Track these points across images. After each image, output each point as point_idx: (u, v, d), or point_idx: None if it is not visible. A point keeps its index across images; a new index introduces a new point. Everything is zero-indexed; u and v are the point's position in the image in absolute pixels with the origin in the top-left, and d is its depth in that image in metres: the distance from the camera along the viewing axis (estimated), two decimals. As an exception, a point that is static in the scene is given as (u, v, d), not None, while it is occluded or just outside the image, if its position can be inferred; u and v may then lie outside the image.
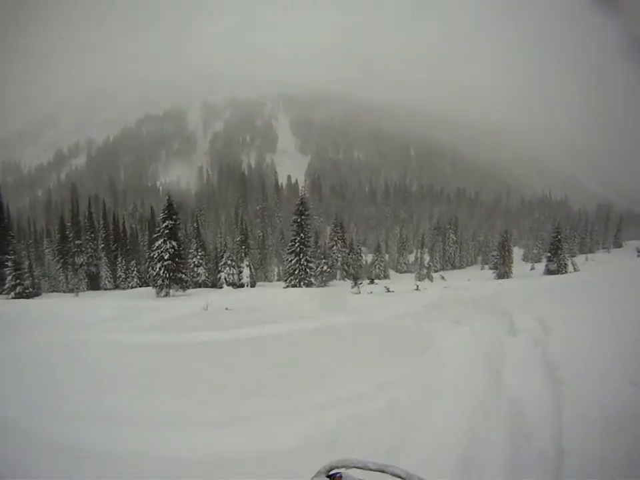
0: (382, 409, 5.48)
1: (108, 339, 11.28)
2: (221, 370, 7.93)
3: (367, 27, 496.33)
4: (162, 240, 42.51)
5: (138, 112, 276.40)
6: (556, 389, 5.29)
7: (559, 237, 58.03)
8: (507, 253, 63.77)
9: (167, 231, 42.31)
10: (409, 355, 7.69)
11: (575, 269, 54.68)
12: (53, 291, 59.35)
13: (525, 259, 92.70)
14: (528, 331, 8.09)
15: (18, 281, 43.10)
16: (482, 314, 10.83)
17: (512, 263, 64.17)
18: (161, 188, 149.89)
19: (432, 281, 56.66)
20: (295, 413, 5.71)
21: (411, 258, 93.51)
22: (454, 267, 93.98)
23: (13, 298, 40.18)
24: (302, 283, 45.85)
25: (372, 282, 32.05)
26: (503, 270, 62.02)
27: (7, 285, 42.85)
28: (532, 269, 69.52)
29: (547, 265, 58.26)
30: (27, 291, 44.34)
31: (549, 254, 58.78)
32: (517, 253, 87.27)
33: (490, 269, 72.42)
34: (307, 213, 47.85)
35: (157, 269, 42.22)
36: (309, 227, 48.77)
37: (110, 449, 5.02)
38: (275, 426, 5.39)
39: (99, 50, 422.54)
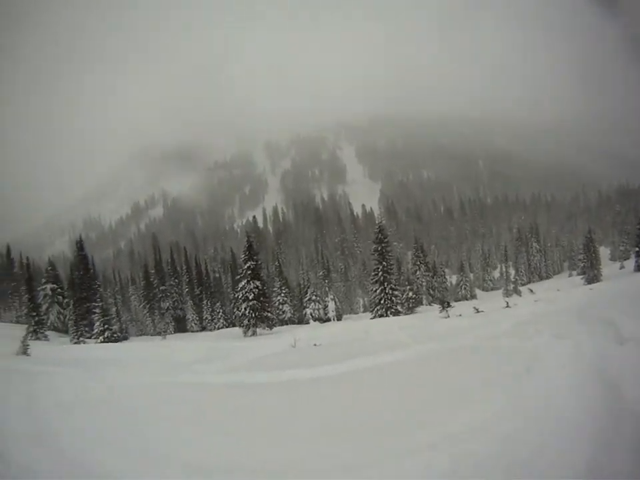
0: (494, 445, 5.17)
1: (195, 380, 11.42)
2: (308, 411, 7.78)
3: (411, 43, 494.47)
4: (245, 280, 43.17)
5: (206, 162, 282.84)
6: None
7: (644, 227, 55.31)
8: (593, 255, 61.82)
9: (249, 272, 42.98)
10: (512, 378, 7.27)
11: (667, 262, 52.04)
12: (140, 335, 60.89)
13: (613, 257, 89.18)
14: (636, 338, 7.58)
15: (106, 326, 44.64)
16: (581, 324, 10.30)
17: (600, 264, 62.12)
18: (238, 230, 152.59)
19: (520, 296, 55.19)
20: (394, 456, 5.34)
21: (496, 274, 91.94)
22: (541, 278, 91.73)
23: (101, 342, 41.34)
24: (389, 312, 45.55)
25: (447, 305, 31.21)
26: (591, 273, 60.08)
27: (95, 330, 44.37)
28: (621, 267, 67.16)
29: (636, 261, 55.56)
30: (116, 335, 45.71)
31: (637, 248, 56.08)
32: (604, 252, 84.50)
33: (578, 274, 70.42)
34: (386, 240, 47.87)
35: (243, 309, 42.81)
36: (389, 254, 48.70)
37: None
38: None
39: (159, 99, 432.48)
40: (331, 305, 57.21)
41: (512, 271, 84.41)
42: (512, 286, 72.15)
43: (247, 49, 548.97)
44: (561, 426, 5.29)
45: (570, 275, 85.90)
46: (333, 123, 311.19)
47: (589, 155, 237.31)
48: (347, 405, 7.70)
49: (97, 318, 44.84)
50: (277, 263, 64.94)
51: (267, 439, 6.43)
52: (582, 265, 65.86)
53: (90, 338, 45.14)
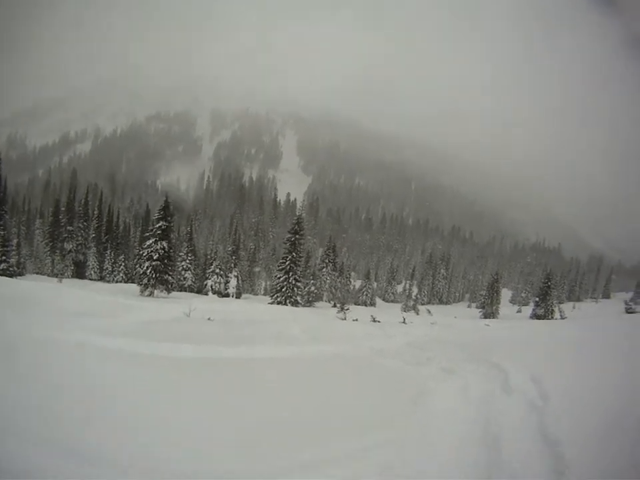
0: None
1: (79, 338, 10.77)
2: (183, 395, 7.37)
3: (379, 59, 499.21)
4: (153, 239, 42.47)
5: (149, 108, 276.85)
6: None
7: (549, 283, 58.30)
8: (495, 294, 63.85)
9: (159, 232, 42.25)
10: (400, 408, 7.16)
11: (561, 315, 54.78)
12: (37, 273, 59.00)
13: (513, 301, 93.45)
14: (522, 391, 7.69)
15: (4, 257, 42.82)
16: (472, 363, 10.38)
17: (499, 303, 64.24)
18: (160, 186, 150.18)
19: (418, 314, 56.37)
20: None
21: (399, 288, 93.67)
22: (441, 302, 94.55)
23: (-5, 275, 39.65)
24: (288, 301, 45.80)
25: (345, 308, 31.45)
26: (489, 310, 62.06)
27: (-9, 260, 42.46)
28: (518, 311, 70.04)
29: (534, 309, 58.34)
30: (12, 269, 43.99)
31: (537, 299, 58.83)
32: (505, 294, 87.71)
33: (477, 307, 72.61)
34: (301, 232, 48.07)
35: (144, 268, 42.04)
36: (301, 246, 49.00)
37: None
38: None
39: (116, 39, 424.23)
40: (233, 282, 57.04)
41: (415, 289, 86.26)
42: (412, 303, 73.54)
43: (225, 20, 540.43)
44: (433, 468, 5.24)
45: (469, 306, 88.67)
46: (284, 110, 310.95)
47: (514, 206, 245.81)
48: (228, 398, 7.34)
49: (-5, 247, 43.13)
50: (188, 229, 64.11)
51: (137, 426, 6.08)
52: (483, 300, 67.89)
53: (-17, 268, 43.41)
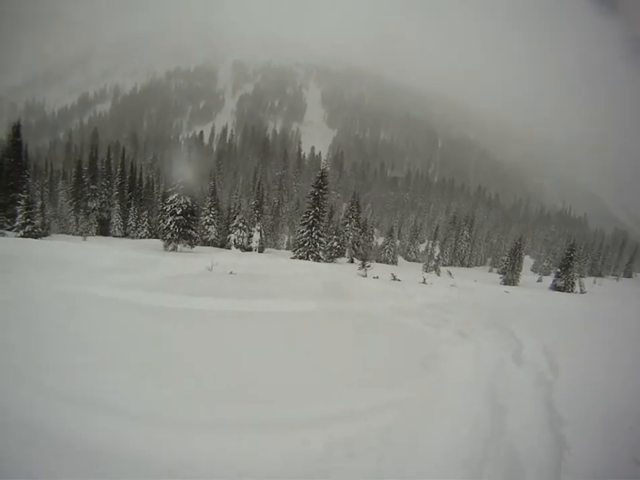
0: (374, 435, 5.18)
1: (103, 293, 11.03)
2: (209, 350, 7.48)
3: (408, 13, 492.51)
4: (176, 195, 42.34)
5: (168, 64, 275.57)
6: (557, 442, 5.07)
7: (572, 254, 57.28)
8: (517, 261, 63.47)
9: (182, 186, 42.08)
10: (412, 368, 7.22)
11: (581, 290, 54.20)
12: (62, 233, 59.37)
13: (534, 269, 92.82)
14: (534, 363, 7.71)
15: (28, 219, 43.19)
16: (488, 329, 10.39)
17: (521, 271, 63.92)
18: (182, 142, 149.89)
19: (439, 275, 56.22)
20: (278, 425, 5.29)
21: (422, 248, 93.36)
22: (463, 264, 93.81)
23: (21, 236, 40.17)
24: (310, 256, 45.82)
25: (367, 265, 31.39)
26: (510, 277, 61.79)
27: (17, 223, 42.97)
28: (539, 280, 69.10)
29: (554, 280, 57.53)
30: (36, 230, 44.41)
31: (559, 269, 58.13)
32: (527, 262, 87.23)
33: (498, 272, 72.21)
34: (325, 187, 47.62)
35: (168, 223, 42.20)
36: (325, 201, 48.59)
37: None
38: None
39: None
40: (256, 236, 57.09)
41: (437, 250, 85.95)
42: (433, 263, 73.42)
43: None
44: (436, 434, 5.32)
45: (490, 271, 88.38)
46: (308, 61, 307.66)
47: (542, 171, 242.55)
48: (247, 355, 7.35)
49: (20, 210, 43.46)
50: (212, 183, 64.16)
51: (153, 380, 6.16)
52: (504, 265, 67.52)
53: (10, 230, 43.86)
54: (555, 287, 55.78)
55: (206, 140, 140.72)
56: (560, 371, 7.16)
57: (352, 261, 60.33)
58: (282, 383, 6.29)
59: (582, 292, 53.20)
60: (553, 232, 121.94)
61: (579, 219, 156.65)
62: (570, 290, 54.54)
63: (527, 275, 74.93)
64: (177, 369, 6.44)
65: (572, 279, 56.29)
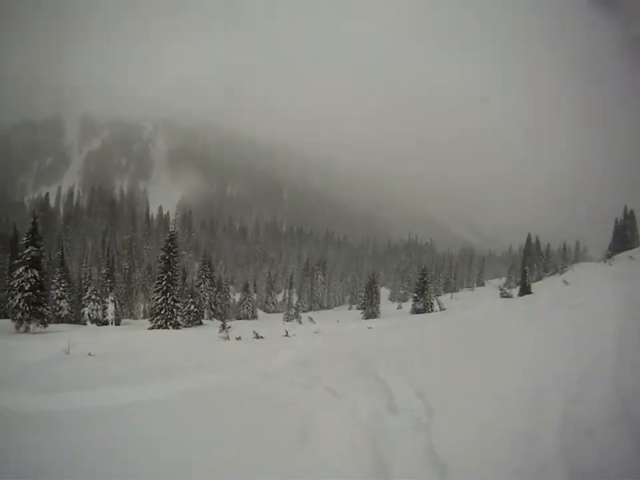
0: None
1: None
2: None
3: (252, 64, 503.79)
4: (23, 268, 40.38)
5: (14, 115, 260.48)
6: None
7: (425, 278, 61.15)
8: (374, 294, 66.00)
9: (29, 259, 40.21)
10: (284, 446, 6.91)
11: (440, 307, 57.06)
12: None
13: (392, 298, 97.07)
14: (409, 408, 7.85)
15: None
16: (357, 378, 10.63)
17: (379, 302, 66.43)
18: (27, 204, 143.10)
19: (301, 323, 56.91)
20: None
21: (279, 297, 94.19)
22: (322, 307, 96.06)
23: None
24: (168, 324, 44.79)
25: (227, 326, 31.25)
26: (370, 310, 64.07)
27: None
28: (399, 307, 73.15)
29: (413, 304, 61.13)
30: None
31: (415, 294, 61.39)
32: (385, 293, 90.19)
33: (358, 308, 74.25)
34: (175, 250, 47.24)
35: (17, 301, 39.91)
36: (177, 264, 48.04)
37: None
38: None
39: None
40: (111, 307, 55.35)
41: (295, 297, 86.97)
42: (293, 311, 74.24)
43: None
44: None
45: (350, 308, 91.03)
46: (155, 116, 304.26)
47: (385, 207, 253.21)
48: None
49: None
50: (60, 252, 61.91)
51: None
52: (362, 301, 69.65)
53: None
54: (416, 311, 58.80)
55: (52, 202, 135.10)
56: (434, 411, 7.44)
57: (210, 318, 60.08)
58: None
59: (441, 309, 56.00)
60: (404, 261, 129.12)
61: (426, 244, 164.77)
62: (430, 310, 57.45)
63: (386, 304, 77.83)
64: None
65: (429, 300, 59.52)
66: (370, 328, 29.00)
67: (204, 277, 63.55)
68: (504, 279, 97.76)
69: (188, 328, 48.30)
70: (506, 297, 58.09)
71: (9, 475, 5.96)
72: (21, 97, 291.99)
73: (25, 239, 42.08)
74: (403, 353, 13.75)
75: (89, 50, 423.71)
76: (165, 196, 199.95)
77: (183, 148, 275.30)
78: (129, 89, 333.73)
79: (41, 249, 43.19)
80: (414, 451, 6.22)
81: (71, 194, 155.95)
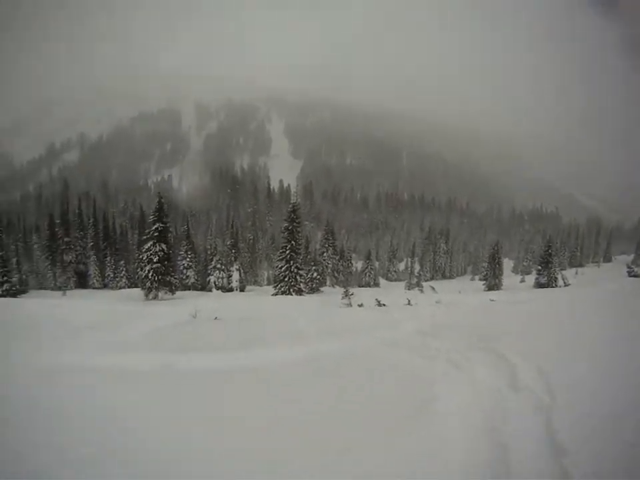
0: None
1: (78, 360, 10.51)
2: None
3: (358, 33, 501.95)
4: (151, 242, 42.48)
5: (131, 109, 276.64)
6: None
7: (550, 250, 58.61)
8: (497, 265, 64.16)
9: (156, 234, 42.28)
10: (404, 416, 6.91)
11: (565, 282, 54.98)
12: (40, 288, 59.03)
13: (515, 270, 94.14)
14: (529, 388, 7.52)
15: (5, 278, 42.94)
16: (478, 352, 10.13)
17: (502, 274, 64.59)
18: (152, 187, 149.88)
19: (422, 292, 56.26)
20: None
21: (401, 266, 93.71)
22: (444, 277, 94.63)
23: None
24: (291, 290, 45.76)
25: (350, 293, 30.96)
26: (493, 282, 62.41)
27: (-6, 281, 42.58)
28: (522, 281, 70.18)
29: (536, 278, 58.82)
30: (15, 288, 44.07)
31: (539, 267, 59.10)
32: (507, 264, 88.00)
33: (480, 279, 72.79)
34: (298, 220, 47.95)
35: (146, 272, 42.12)
36: (300, 233, 48.95)
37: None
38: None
39: (90, 43, 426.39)
40: (235, 275, 57.14)
41: (417, 266, 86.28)
42: (415, 280, 73.66)
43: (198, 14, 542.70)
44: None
45: (472, 279, 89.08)
46: (266, 94, 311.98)
47: (510, 173, 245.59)
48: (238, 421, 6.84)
49: (-5, 268, 43.08)
50: (185, 227, 64.20)
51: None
52: (485, 272, 67.98)
53: (-14, 289, 43.35)
54: (539, 285, 56.66)
55: (175, 183, 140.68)
56: (556, 392, 7.02)
57: (332, 285, 60.59)
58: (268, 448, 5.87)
59: (565, 285, 53.90)
60: (528, 231, 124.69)
61: (551, 213, 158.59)
62: (554, 285, 55.43)
63: (508, 277, 75.73)
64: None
65: (554, 274, 57.30)
66: (492, 300, 28.06)
67: (327, 245, 64.34)
68: (632, 256, 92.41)
69: (310, 294, 48.88)
70: (634, 276, 54.81)
71: (137, 430, 6.38)
72: (135, 91, 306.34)
73: (152, 216, 44.28)
74: (527, 329, 13.08)
75: (192, 38, 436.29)
76: (285, 169, 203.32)
77: (297, 122, 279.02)
78: (236, 72, 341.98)
79: (168, 224, 45.16)
80: (533, 432, 5.98)
81: (193, 174, 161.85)
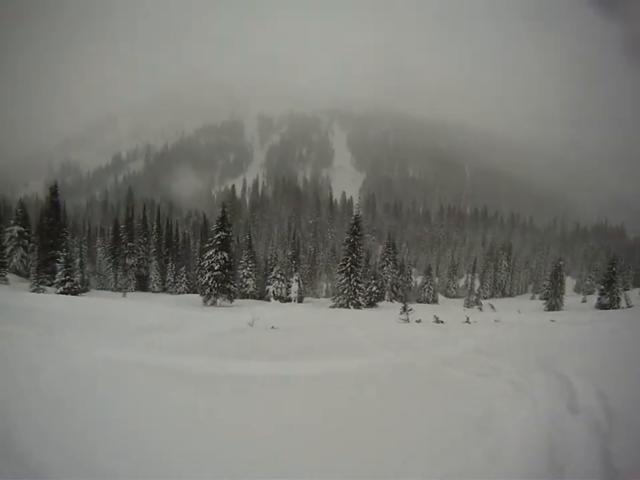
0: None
1: (139, 358, 10.93)
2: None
3: (420, 46, 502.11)
4: (214, 250, 43.40)
5: (195, 120, 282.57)
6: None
7: (614, 268, 56.73)
8: (559, 284, 62.86)
9: (219, 242, 43.21)
10: (461, 434, 6.83)
11: (627, 304, 53.40)
12: (101, 289, 60.78)
13: (577, 289, 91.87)
14: (587, 409, 7.39)
15: (68, 276, 44.37)
16: (538, 373, 10.01)
17: (563, 293, 63.09)
18: (215, 196, 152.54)
19: (481, 310, 55.46)
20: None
21: (461, 282, 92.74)
22: (504, 295, 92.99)
23: (61, 292, 41.21)
24: (350, 303, 45.71)
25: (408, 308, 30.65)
26: (553, 301, 61.15)
27: (57, 280, 44.23)
28: (584, 301, 68.61)
29: (599, 299, 57.27)
30: (76, 287, 45.46)
31: (602, 287, 57.50)
32: (570, 282, 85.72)
33: (540, 299, 71.42)
34: (360, 233, 48.11)
35: (207, 278, 42.98)
36: (361, 246, 49.08)
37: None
38: None
39: (150, 56, 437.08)
40: (294, 286, 57.46)
41: (477, 283, 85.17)
42: (474, 298, 72.77)
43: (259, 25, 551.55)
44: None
45: (532, 298, 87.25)
46: (328, 106, 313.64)
47: (575, 186, 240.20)
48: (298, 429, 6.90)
49: (59, 267, 44.70)
50: (247, 236, 65.06)
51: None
52: (546, 290, 66.63)
53: (50, 286, 44.81)
54: (601, 305, 55.16)
55: (238, 193, 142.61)
56: (614, 416, 6.87)
57: (391, 300, 60.28)
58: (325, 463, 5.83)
59: (628, 306, 52.37)
60: (592, 247, 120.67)
61: (616, 228, 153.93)
62: (616, 306, 53.79)
63: (570, 296, 74.00)
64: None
65: (617, 294, 55.53)
66: (552, 321, 27.49)
67: (387, 259, 64.08)
68: None
69: (368, 308, 48.80)
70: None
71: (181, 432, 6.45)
72: (198, 103, 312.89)
73: (215, 225, 45.38)
74: (588, 351, 12.73)
75: (254, 48, 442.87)
76: (347, 181, 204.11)
77: (360, 134, 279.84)
78: (298, 83, 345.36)
79: (230, 233, 46.12)
80: (590, 454, 5.87)
81: (255, 185, 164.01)
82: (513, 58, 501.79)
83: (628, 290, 72.31)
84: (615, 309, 53.05)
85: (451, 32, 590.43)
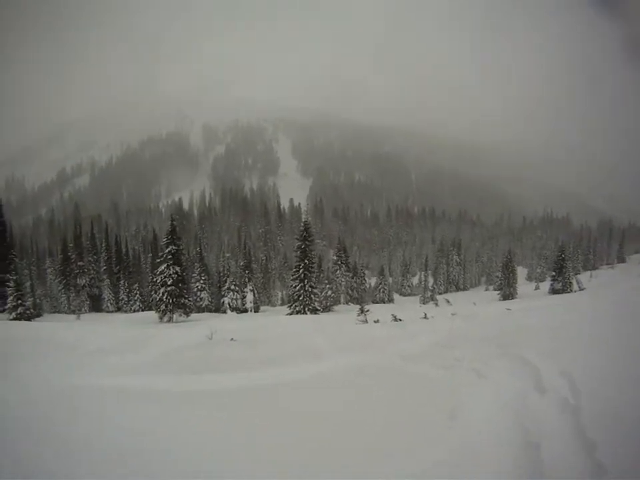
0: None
1: (95, 382, 10.56)
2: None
3: (363, 53, 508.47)
4: (165, 265, 42.65)
5: (140, 134, 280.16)
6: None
7: (563, 255, 58.74)
8: (510, 274, 64.23)
9: (170, 256, 42.50)
10: (435, 424, 6.88)
11: (579, 287, 54.99)
12: (54, 312, 59.43)
13: (529, 278, 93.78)
14: (555, 389, 7.53)
15: (19, 301, 42.87)
16: (500, 360, 10.15)
17: (516, 283, 64.57)
18: (163, 210, 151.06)
19: (437, 305, 56.16)
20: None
21: (415, 280, 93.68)
22: (458, 289, 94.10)
23: (13, 319, 39.88)
24: (306, 309, 45.65)
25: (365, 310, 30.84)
26: (507, 291, 62.41)
27: (8, 305, 42.66)
28: (536, 288, 70.17)
29: (551, 284, 58.99)
30: (29, 311, 44.07)
31: (554, 273, 59.11)
32: (521, 272, 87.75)
33: (494, 289, 72.74)
34: (310, 238, 48.11)
35: (160, 294, 42.22)
36: (312, 252, 48.91)
37: None
38: None
39: (98, 71, 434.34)
40: (249, 296, 57.06)
41: (430, 280, 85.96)
42: (429, 294, 73.46)
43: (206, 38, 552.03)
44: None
45: (486, 289, 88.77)
46: (273, 115, 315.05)
47: (517, 181, 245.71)
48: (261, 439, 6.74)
49: (10, 292, 43.12)
50: (198, 249, 64.56)
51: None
52: (499, 281, 67.87)
53: (2, 312, 43.54)
54: (554, 291, 56.70)
55: (186, 205, 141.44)
56: (581, 393, 7.00)
57: (347, 303, 60.52)
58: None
59: (580, 289, 53.78)
60: (540, 237, 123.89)
61: (562, 219, 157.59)
62: (569, 290, 55.23)
63: (523, 285, 75.57)
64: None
65: (568, 279, 57.06)
66: (508, 309, 27.90)
67: (339, 263, 64.33)
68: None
69: (325, 313, 48.92)
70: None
71: (163, 452, 6.19)
72: (143, 116, 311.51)
73: (165, 239, 44.58)
74: (546, 334, 12.92)
75: (197, 60, 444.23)
76: (295, 188, 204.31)
77: (306, 142, 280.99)
78: (242, 93, 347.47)
79: (181, 247, 45.53)
80: (563, 429, 6.04)
81: (203, 196, 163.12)
82: (456, 60, 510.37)
83: (579, 274, 74.56)
84: (568, 292, 54.74)
85: (396, 37, 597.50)
